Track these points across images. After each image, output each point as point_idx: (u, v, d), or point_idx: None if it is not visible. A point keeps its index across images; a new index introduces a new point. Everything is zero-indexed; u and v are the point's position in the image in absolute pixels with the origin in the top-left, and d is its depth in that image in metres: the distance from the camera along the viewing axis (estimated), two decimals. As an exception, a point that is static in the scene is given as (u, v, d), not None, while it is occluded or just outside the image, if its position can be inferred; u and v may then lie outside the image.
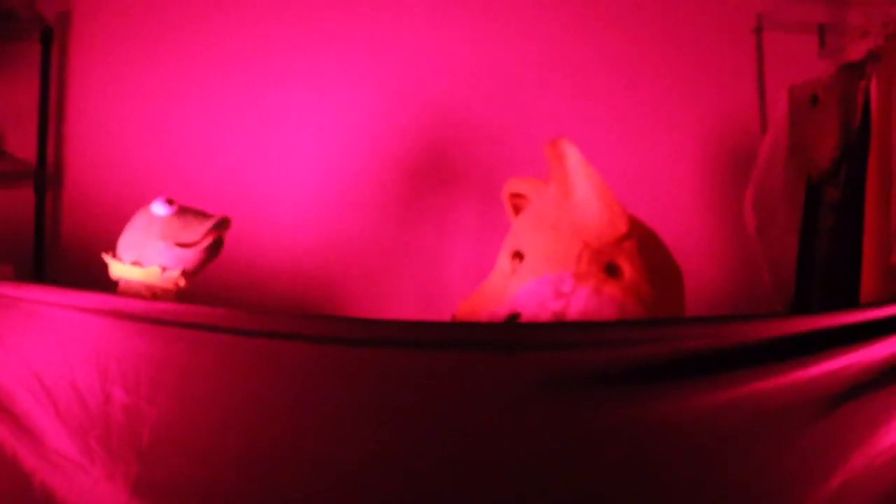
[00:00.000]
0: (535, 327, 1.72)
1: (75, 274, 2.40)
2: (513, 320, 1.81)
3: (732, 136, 2.76)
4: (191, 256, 1.78)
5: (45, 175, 2.53)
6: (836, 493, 1.53)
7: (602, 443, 1.53)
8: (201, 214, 1.81)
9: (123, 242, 1.80)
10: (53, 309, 1.58)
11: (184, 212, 1.80)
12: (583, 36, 2.77)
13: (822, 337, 1.55)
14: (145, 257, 1.77)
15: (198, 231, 1.78)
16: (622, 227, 1.83)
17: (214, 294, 1.83)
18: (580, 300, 1.76)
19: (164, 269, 1.77)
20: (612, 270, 1.81)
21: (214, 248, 1.82)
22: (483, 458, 1.52)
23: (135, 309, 1.58)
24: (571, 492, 1.52)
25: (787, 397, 1.54)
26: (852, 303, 2.11)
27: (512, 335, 1.62)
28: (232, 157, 2.61)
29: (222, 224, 1.81)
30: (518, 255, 1.88)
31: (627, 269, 1.81)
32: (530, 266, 1.84)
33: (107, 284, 1.79)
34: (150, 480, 1.52)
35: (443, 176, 2.64)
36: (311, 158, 2.64)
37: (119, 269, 1.78)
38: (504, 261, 1.92)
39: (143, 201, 2.45)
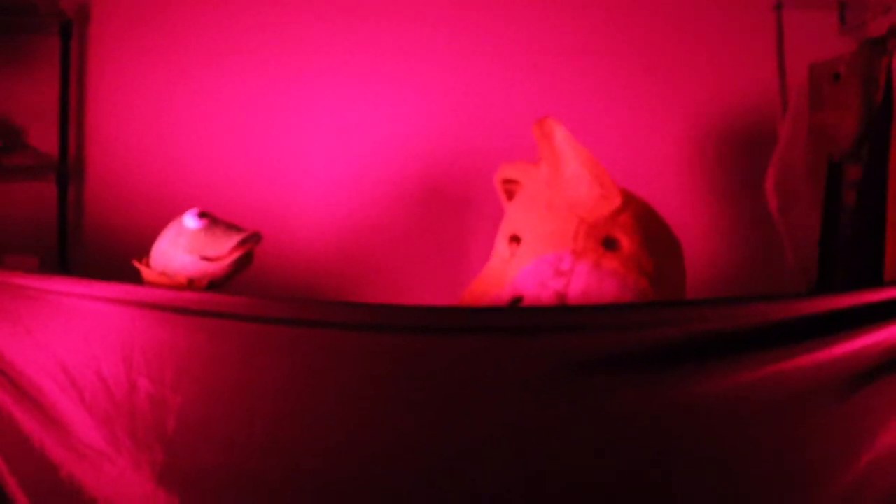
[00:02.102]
0: (552, 310, 1.72)
1: (99, 265, 2.43)
2: (516, 304, 1.81)
3: (753, 114, 2.73)
4: (217, 270, 1.79)
5: (67, 168, 2.54)
6: (864, 473, 1.53)
7: (621, 426, 1.53)
8: (231, 228, 1.82)
9: (155, 251, 1.82)
10: (78, 300, 1.60)
11: (214, 225, 1.81)
12: (601, 15, 2.75)
13: (844, 316, 1.54)
14: (172, 268, 1.79)
15: (224, 246, 1.78)
16: (615, 201, 1.84)
17: (241, 284, 1.84)
18: (581, 277, 1.76)
19: (189, 280, 1.78)
20: (609, 244, 1.81)
21: (243, 262, 1.82)
22: (500, 442, 1.53)
23: (158, 299, 1.60)
24: (587, 475, 1.53)
25: (811, 378, 1.53)
26: (876, 281, 2.10)
27: (528, 319, 1.62)
28: (253, 148, 2.62)
29: (250, 239, 1.81)
30: (515, 239, 1.89)
31: (625, 241, 1.81)
32: (528, 248, 1.85)
33: (130, 275, 1.80)
34: (175, 469, 1.54)
35: (463, 162, 2.63)
36: (334, 148, 2.65)
37: (149, 276, 1.81)
38: (502, 246, 1.93)
39: (165, 191, 2.49)
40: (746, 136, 2.73)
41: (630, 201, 1.86)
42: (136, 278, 1.82)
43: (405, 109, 2.66)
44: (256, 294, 1.61)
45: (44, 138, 2.52)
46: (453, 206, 2.62)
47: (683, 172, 2.72)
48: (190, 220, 1.80)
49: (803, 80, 2.46)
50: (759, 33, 2.76)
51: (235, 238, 1.79)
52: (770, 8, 2.76)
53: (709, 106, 2.73)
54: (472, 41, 2.70)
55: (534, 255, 1.81)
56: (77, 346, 1.58)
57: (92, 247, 2.53)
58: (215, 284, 1.81)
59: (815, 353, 1.52)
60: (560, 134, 1.85)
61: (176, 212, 1.84)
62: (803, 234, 2.43)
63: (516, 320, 1.61)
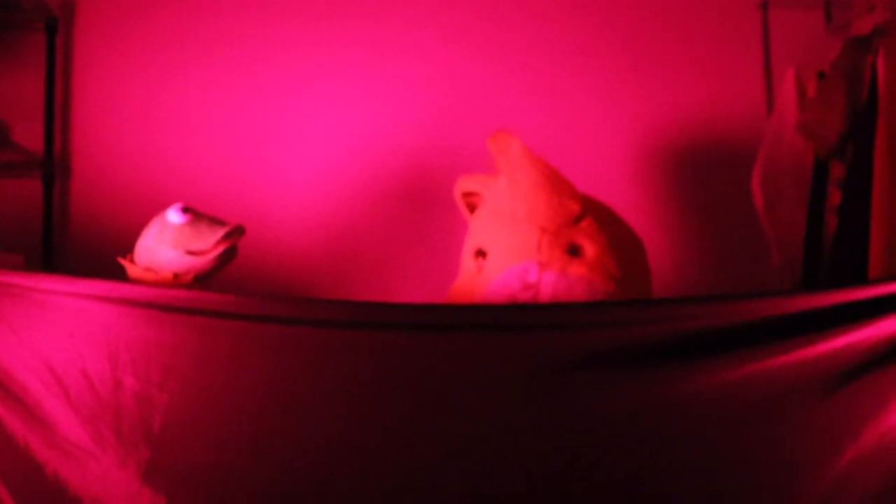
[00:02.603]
0: (543, 308, 1.72)
1: (84, 262, 2.42)
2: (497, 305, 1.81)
3: (738, 113, 2.74)
4: (202, 264, 1.79)
5: (53, 165, 2.54)
6: (848, 470, 1.53)
7: (607, 423, 1.54)
8: (215, 222, 1.82)
9: (139, 248, 1.82)
10: (63, 297, 1.59)
11: (197, 220, 1.80)
12: (586, 14, 2.76)
13: (829, 314, 1.54)
14: (157, 264, 1.78)
15: (209, 240, 1.78)
16: (574, 208, 1.85)
17: (227, 281, 1.84)
18: (548, 286, 1.78)
19: (175, 275, 1.78)
20: (574, 251, 1.83)
21: (227, 256, 1.82)
22: (487, 439, 1.53)
23: (145, 296, 1.59)
24: (577, 472, 1.53)
25: (795, 375, 1.53)
26: (861, 279, 2.11)
27: (515, 316, 1.62)
28: (240, 146, 2.62)
29: (235, 233, 1.81)
30: (481, 253, 1.90)
31: (589, 246, 1.83)
32: (494, 261, 1.86)
33: (116, 272, 1.80)
34: (161, 467, 1.53)
35: (450, 160, 2.63)
36: (322, 147, 2.65)
37: (134, 272, 1.80)
38: (468, 261, 1.94)
39: (151, 189, 2.48)
40: (732, 135, 2.73)
41: (589, 206, 1.89)
42: (121, 275, 1.81)
43: (390, 107, 2.66)
44: (244, 292, 1.61)
45: (29, 135, 2.52)
46: (440, 203, 2.62)
47: (669, 172, 2.73)
48: (173, 216, 1.80)
49: (789, 78, 2.48)
50: (744, 32, 2.78)
51: (220, 232, 1.79)
52: (756, 7, 2.77)
53: (694, 105, 2.74)
54: (460, 39, 2.70)
55: (500, 268, 1.83)
56: (62, 343, 1.58)
57: (77, 244, 2.52)
58: (200, 279, 1.80)
59: (801, 351, 1.53)
60: (515, 147, 1.87)
61: (162, 209, 1.84)
62: (789, 232, 2.44)
63: (503, 317, 1.61)
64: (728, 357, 1.53)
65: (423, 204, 2.64)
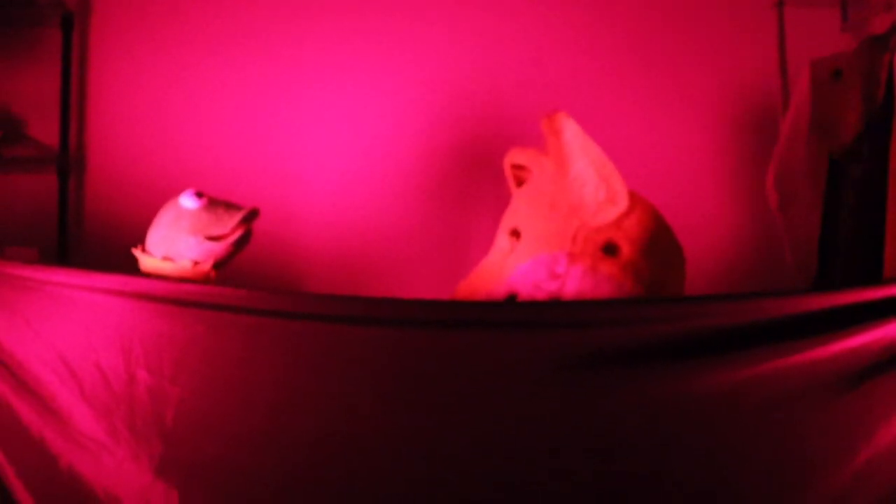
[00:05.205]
0: (552, 305, 1.72)
1: (99, 256, 2.43)
2: (511, 301, 1.80)
3: (753, 111, 2.73)
4: (221, 249, 1.77)
5: (68, 159, 2.54)
6: (862, 470, 1.53)
7: (620, 421, 1.54)
8: (231, 207, 1.80)
9: (153, 237, 1.79)
10: (77, 291, 1.60)
11: (213, 205, 1.79)
12: (603, 12, 2.75)
13: (844, 313, 1.54)
14: (176, 252, 1.75)
15: (227, 224, 1.76)
16: (621, 205, 1.80)
17: (243, 277, 1.84)
18: (575, 280, 1.74)
19: (195, 262, 1.76)
20: (610, 249, 1.78)
21: (244, 240, 1.81)
22: (499, 435, 1.53)
23: (158, 290, 1.60)
24: (586, 468, 1.53)
25: (810, 374, 1.53)
26: (876, 278, 2.10)
27: (528, 314, 1.62)
28: (256, 141, 2.62)
29: (251, 216, 1.80)
30: (515, 233, 1.86)
31: (626, 247, 1.78)
32: (526, 245, 1.82)
33: (130, 267, 1.80)
34: (173, 460, 1.54)
35: (465, 156, 2.63)
36: (337, 143, 2.64)
37: (150, 263, 1.78)
38: (503, 238, 1.90)
39: (165, 184, 2.48)
40: (747, 133, 2.72)
41: (637, 206, 1.83)
42: (136, 269, 1.81)
43: (407, 102, 2.66)
44: (257, 287, 1.61)
45: (45, 130, 2.53)
46: (455, 199, 2.62)
47: (682, 169, 2.72)
48: (188, 201, 1.77)
49: (805, 76, 2.46)
50: (760, 30, 2.76)
51: (237, 215, 1.78)
52: (772, 5, 2.75)
53: (710, 103, 2.73)
54: (474, 34, 2.70)
55: (531, 253, 1.79)
56: (76, 337, 1.59)
57: (92, 238, 2.53)
58: (219, 265, 1.79)
59: (815, 350, 1.53)
60: (570, 130, 1.80)
61: (177, 203, 1.83)
62: (803, 231, 2.42)
63: (517, 315, 1.61)
64: (743, 355, 1.53)
65: (439, 200, 2.63)
